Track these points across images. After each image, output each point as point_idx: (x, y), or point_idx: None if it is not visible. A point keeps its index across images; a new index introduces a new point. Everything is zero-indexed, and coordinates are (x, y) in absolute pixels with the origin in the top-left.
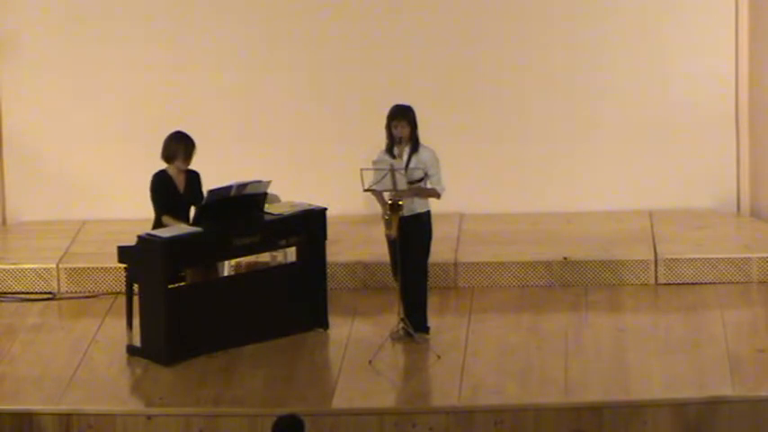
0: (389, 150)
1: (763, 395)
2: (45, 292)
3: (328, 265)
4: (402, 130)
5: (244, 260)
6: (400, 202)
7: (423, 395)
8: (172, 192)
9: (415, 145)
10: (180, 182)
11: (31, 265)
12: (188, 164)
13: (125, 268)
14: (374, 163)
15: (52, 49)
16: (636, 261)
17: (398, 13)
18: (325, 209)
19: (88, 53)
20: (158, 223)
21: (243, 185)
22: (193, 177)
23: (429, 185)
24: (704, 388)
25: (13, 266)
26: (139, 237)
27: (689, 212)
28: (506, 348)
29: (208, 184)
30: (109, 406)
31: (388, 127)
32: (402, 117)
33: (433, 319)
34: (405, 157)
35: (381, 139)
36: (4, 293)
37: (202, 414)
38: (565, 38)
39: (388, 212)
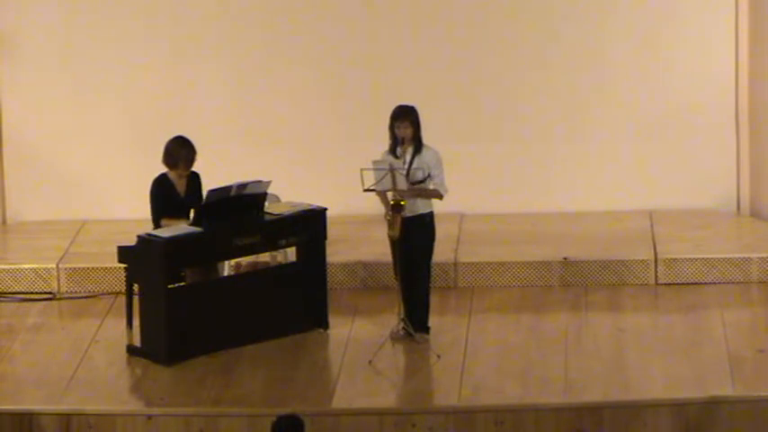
0: (393, 151)
1: (763, 395)
2: (45, 292)
3: (328, 265)
4: (405, 131)
5: (244, 260)
6: (402, 203)
7: (423, 395)
8: (172, 196)
9: (418, 145)
10: (181, 186)
11: (31, 265)
12: (189, 170)
13: (125, 268)
14: (374, 163)
15: (52, 49)
16: (636, 261)
17: (399, 13)
18: (326, 209)
19: (88, 53)
20: (156, 228)
21: (243, 185)
22: (194, 179)
23: (432, 186)
24: (704, 388)
25: (12, 266)
26: (139, 237)
27: (689, 212)
28: (506, 348)
29: (208, 184)
30: (109, 406)
31: (392, 128)
32: (405, 118)
33: (433, 319)
34: (408, 157)
35: (382, 139)
36: (4, 293)
37: (202, 414)
38: (565, 38)
39: (390, 213)
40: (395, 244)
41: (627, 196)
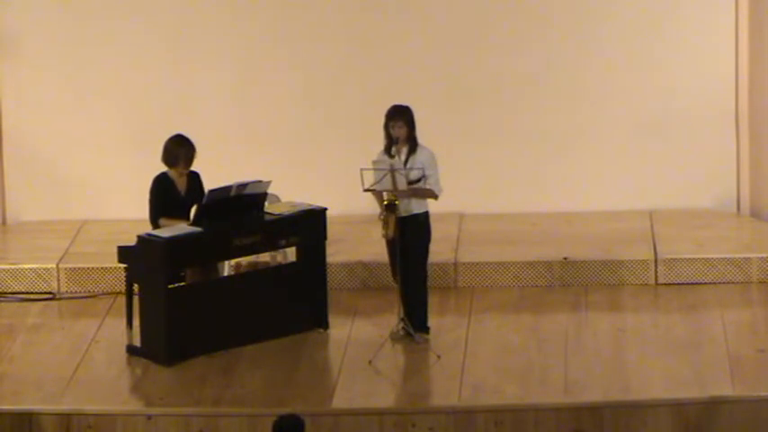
0: (388, 150)
1: (763, 395)
2: (45, 292)
3: (328, 265)
4: (399, 131)
5: (244, 260)
6: (396, 203)
7: (423, 395)
8: (173, 194)
9: (413, 145)
10: (181, 184)
11: (31, 265)
12: (189, 168)
13: (125, 268)
14: (374, 163)
15: (52, 49)
16: (636, 261)
17: (399, 14)
18: (326, 209)
19: (88, 53)
20: (154, 228)
21: (243, 185)
22: (194, 178)
23: (427, 186)
24: (704, 388)
25: (13, 266)
26: (139, 237)
27: (689, 212)
28: (506, 348)
29: (208, 184)
30: (109, 406)
31: (386, 127)
32: (399, 117)
33: (433, 319)
34: (402, 157)
35: (381, 140)
36: (4, 293)
37: (202, 414)
38: (565, 38)
39: (384, 213)
40: (391, 244)
41: (627, 196)
